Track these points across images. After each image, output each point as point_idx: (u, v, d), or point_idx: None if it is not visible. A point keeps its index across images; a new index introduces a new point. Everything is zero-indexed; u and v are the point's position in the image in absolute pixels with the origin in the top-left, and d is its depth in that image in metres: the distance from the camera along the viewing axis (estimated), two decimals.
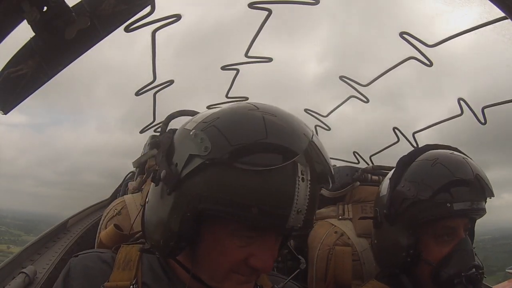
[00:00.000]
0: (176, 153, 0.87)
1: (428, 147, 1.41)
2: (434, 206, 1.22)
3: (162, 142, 0.91)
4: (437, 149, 1.39)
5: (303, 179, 0.79)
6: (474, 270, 1.19)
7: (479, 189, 1.25)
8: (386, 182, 1.41)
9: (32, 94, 0.67)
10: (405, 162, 1.37)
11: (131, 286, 0.92)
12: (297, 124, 0.86)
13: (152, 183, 0.94)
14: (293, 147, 0.80)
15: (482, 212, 1.28)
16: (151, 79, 1.92)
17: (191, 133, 0.85)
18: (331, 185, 0.91)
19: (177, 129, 0.96)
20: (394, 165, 1.70)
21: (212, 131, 0.82)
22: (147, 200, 0.99)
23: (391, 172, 1.43)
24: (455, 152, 1.35)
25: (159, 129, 2.23)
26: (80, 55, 0.68)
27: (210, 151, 0.79)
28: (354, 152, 2.52)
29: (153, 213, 0.93)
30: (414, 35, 1.71)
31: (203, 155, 0.79)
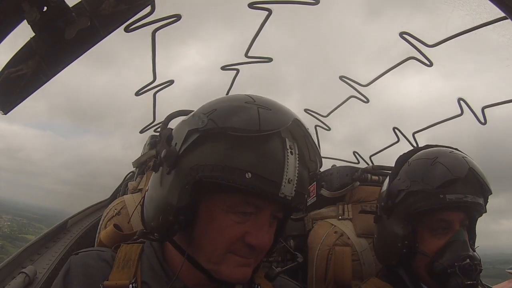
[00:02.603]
0: (175, 137, 0.92)
1: (428, 147, 1.43)
2: (427, 197, 1.25)
3: (163, 133, 0.95)
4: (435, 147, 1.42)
5: (291, 152, 0.86)
6: (468, 260, 1.20)
7: (473, 182, 1.26)
8: (387, 179, 1.46)
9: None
10: (404, 158, 1.42)
11: (131, 285, 0.92)
12: (285, 107, 0.93)
13: (152, 173, 0.98)
14: (281, 120, 0.86)
15: (478, 206, 1.27)
16: (151, 79, 1.92)
17: (189, 117, 0.92)
18: (318, 166, 0.98)
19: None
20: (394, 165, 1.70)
21: (209, 112, 0.88)
22: (147, 188, 1.01)
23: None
24: (454, 151, 1.36)
25: (159, 129, 2.23)
26: (80, 55, 0.68)
27: (206, 124, 0.85)
28: (354, 152, 2.52)
29: (153, 197, 0.95)
30: (414, 35, 1.71)
31: (200, 128, 0.85)
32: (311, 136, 0.94)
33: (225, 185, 0.83)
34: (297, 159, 0.87)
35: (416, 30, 1.70)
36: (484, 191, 1.29)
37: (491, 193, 1.31)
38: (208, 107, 0.91)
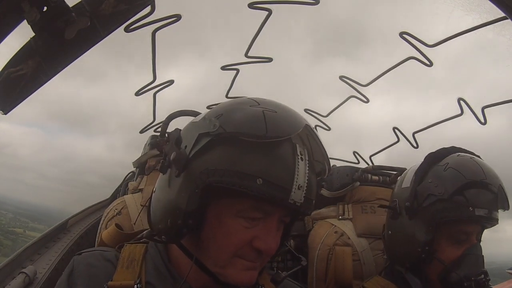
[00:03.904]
0: (184, 140, 0.91)
1: (455, 149, 1.41)
2: (457, 208, 1.24)
3: (171, 134, 0.94)
4: (462, 152, 1.40)
5: (302, 158, 0.86)
6: (483, 276, 1.22)
7: (500, 199, 1.26)
8: (410, 175, 1.41)
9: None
10: (433, 158, 1.38)
11: (135, 286, 0.92)
12: (296, 112, 0.93)
13: (160, 174, 0.97)
14: (293, 126, 0.86)
15: (495, 222, 1.29)
16: (151, 79, 1.92)
17: (199, 119, 0.91)
18: (327, 172, 0.97)
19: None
20: (394, 165, 1.70)
21: (220, 115, 0.87)
22: (154, 189, 1.01)
23: (415, 166, 1.42)
24: (475, 157, 1.36)
25: (159, 129, 2.23)
26: (80, 55, 0.68)
27: (218, 128, 0.84)
28: (354, 152, 2.52)
29: (160, 199, 0.94)
30: (414, 35, 1.71)
31: (212, 132, 0.84)
32: (321, 142, 0.94)
33: (235, 190, 0.82)
34: (307, 165, 0.86)
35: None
36: (504, 207, 1.29)
37: (508, 209, 1.31)
38: (220, 110, 0.90)
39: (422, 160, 1.41)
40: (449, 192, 1.25)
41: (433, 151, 1.42)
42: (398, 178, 1.53)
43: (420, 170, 1.37)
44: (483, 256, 1.26)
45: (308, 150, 0.89)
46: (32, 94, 0.67)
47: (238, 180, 0.81)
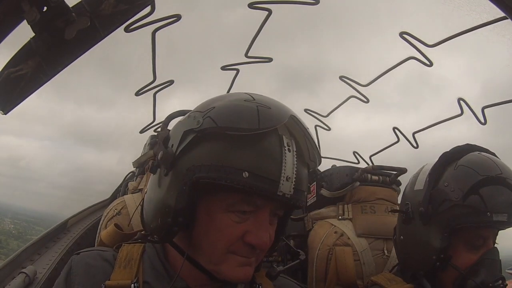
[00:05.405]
0: (171, 139, 0.92)
1: (471, 147, 1.34)
2: (475, 214, 1.18)
3: (160, 134, 0.95)
4: (479, 150, 1.33)
5: (289, 149, 0.85)
6: (500, 282, 1.19)
7: None
8: (422, 176, 1.34)
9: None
10: (449, 159, 1.30)
11: (132, 285, 0.92)
12: (282, 104, 0.92)
13: (151, 174, 0.98)
14: (277, 118, 0.85)
15: (511, 226, 1.24)
16: (151, 79, 1.92)
17: (185, 117, 0.92)
18: (317, 163, 0.97)
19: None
20: (394, 165, 1.68)
21: (204, 111, 0.87)
22: (145, 190, 1.02)
23: (428, 166, 1.35)
24: (491, 156, 1.29)
25: (159, 129, 2.23)
26: (80, 55, 0.68)
27: (202, 124, 0.84)
28: (354, 152, 2.52)
29: (151, 198, 0.95)
30: (414, 35, 1.71)
31: (196, 128, 0.84)
32: (308, 132, 0.93)
33: (223, 185, 0.82)
34: (295, 156, 0.86)
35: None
36: None
37: None
38: (204, 106, 0.90)
39: (436, 160, 1.33)
40: (466, 198, 1.18)
41: (447, 150, 1.33)
42: (410, 177, 1.44)
43: (434, 171, 1.29)
44: (500, 260, 1.22)
45: (296, 141, 0.88)
46: (33, 94, 0.67)
47: (224, 174, 0.81)
